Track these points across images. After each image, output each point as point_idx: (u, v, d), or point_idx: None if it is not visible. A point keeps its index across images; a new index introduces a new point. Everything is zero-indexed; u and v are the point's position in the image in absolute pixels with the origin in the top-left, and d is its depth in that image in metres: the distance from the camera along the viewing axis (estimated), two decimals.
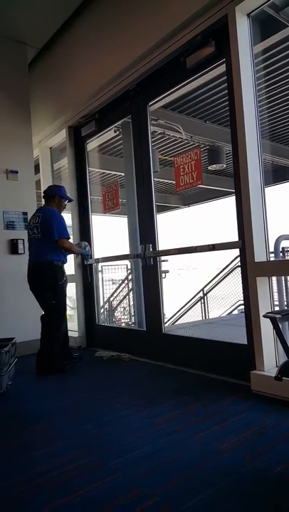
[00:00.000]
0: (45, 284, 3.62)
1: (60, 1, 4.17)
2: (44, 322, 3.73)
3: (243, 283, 2.93)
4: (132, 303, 6.94)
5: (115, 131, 4.67)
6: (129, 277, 7.08)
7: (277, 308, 3.26)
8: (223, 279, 8.17)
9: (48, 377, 3.51)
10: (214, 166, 6.75)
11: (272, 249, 3.07)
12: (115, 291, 7.56)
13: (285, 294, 3.75)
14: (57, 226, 3.58)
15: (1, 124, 4.53)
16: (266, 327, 2.68)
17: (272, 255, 3.13)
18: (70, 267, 4.72)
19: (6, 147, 4.53)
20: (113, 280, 7.47)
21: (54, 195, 3.79)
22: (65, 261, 3.77)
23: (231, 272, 7.95)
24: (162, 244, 3.78)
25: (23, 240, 4.49)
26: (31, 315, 4.44)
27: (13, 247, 4.46)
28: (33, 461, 1.97)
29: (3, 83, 4.56)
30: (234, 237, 2.97)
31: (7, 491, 1.72)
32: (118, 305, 7.66)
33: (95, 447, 2.07)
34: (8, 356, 3.12)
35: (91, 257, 4.10)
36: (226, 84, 3.09)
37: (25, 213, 4.59)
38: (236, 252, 3.03)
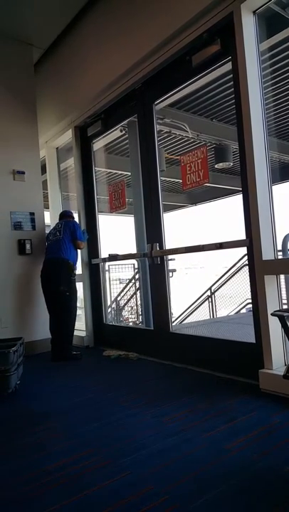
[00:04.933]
0: (60, 277, 4.10)
1: (65, 1, 4.18)
2: (58, 314, 4.14)
3: (250, 281, 2.91)
4: (139, 302, 6.94)
5: (121, 131, 4.68)
6: (137, 276, 7.08)
7: (285, 307, 3.25)
8: (230, 277, 8.12)
9: (56, 376, 3.54)
10: (221, 164, 6.72)
11: (280, 247, 3.06)
12: (122, 290, 7.57)
13: None
14: (78, 231, 4.36)
15: (8, 125, 4.55)
16: (274, 325, 2.67)
17: (280, 253, 3.12)
18: (77, 267, 4.75)
19: (12, 148, 4.55)
20: (120, 279, 7.48)
21: (70, 215, 4.64)
22: (76, 262, 4.30)
23: (239, 270, 7.91)
24: (169, 243, 3.78)
25: (31, 240, 4.53)
26: (40, 315, 4.48)
27: (20, 247, 4.48)
28: (41, 459, 1.98)
29: (9, 84, 4.58)
30: (242, 236, 2.96)
31: (16, 489, 1.73)
32: (125, 304, 7.67)
33: (103, 446, 2.07)
34: (17, 356, 3.15)
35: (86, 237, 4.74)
36: (232, 82, 3.08)
37: (32, 214, 4.61)
38: (244, 250, 3.02)
